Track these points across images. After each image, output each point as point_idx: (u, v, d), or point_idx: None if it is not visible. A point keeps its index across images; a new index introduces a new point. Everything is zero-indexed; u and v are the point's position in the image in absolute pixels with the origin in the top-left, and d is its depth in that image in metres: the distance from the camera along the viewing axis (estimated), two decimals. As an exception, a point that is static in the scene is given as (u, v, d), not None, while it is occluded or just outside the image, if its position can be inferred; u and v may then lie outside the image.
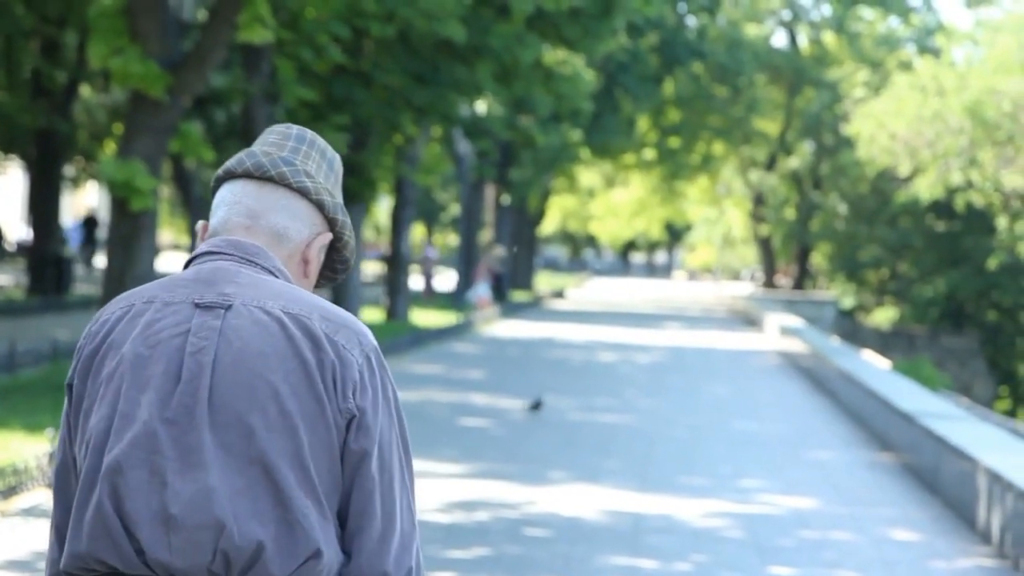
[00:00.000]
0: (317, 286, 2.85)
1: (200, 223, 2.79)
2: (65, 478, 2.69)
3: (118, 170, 15.46)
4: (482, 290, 38.29)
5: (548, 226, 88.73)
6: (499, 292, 45.76)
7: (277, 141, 2.79)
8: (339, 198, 2.81)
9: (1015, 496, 9.54)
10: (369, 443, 2.61)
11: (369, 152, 26.46)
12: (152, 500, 2.54)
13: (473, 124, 35.56)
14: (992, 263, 47.33)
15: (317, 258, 2.79)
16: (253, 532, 2.53)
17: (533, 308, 46.30)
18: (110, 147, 35.58)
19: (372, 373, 2.64)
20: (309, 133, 2.83)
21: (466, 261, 43.89)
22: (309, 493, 2.56)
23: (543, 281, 67.70)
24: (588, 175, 68.15)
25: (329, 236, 2.79)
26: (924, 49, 56.11)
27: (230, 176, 2.77)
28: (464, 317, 33.72)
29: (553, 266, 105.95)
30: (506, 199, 49.40)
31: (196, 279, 2.67)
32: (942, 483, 12.13)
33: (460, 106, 28.54)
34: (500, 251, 39.33)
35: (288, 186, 2.74)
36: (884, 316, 55.12)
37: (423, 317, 33.72)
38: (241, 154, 2.79)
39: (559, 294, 57.01)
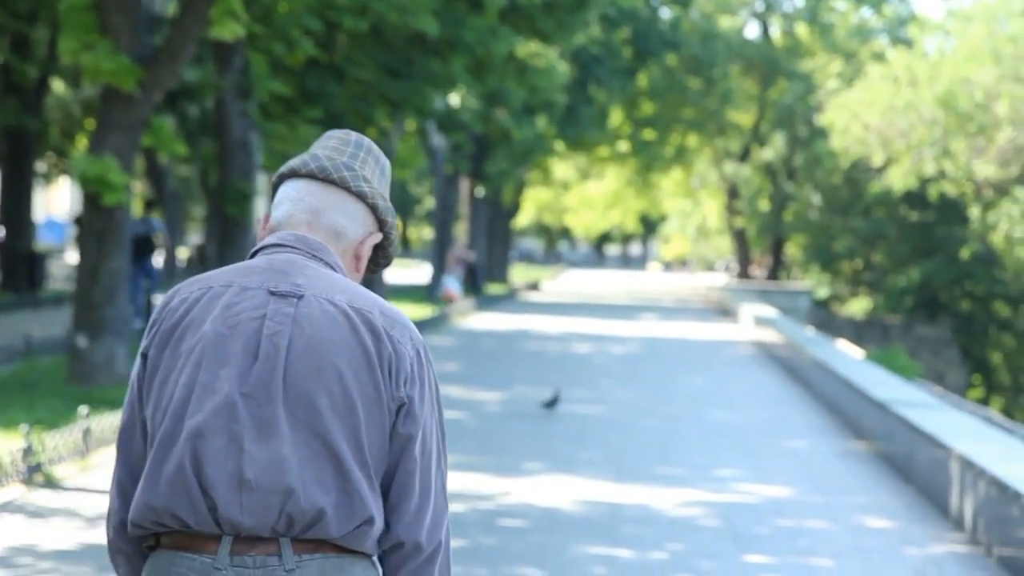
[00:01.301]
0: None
1: (263, 214, 3.10)
2: (131, 437, 2.98)
3: (90, 165, 15.41)
4: (450, 283, 38.22)
5: (523, 219, 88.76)
6: (474, 285, 45.76)
7: (338, 147, 3.09)
8: (389, 201, 3.12)
9: (987, 483, 9.60)
10: (415, 428, 2.93)
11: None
12: (229, 464, 2.83)
13: (447, 117, 35.55)
14: (965, 252, 47.51)
15: (367, 255, 3.11)
16: (317, 498, 2.84)
17: (508, 300, 46.31)
18: (82, 143, 35.47)
19: (421, 366, 2.97)
20: (366, 140, 3.12)
21: (441, 254, 43.88)
22: (363, 467, 2.88)
23: (518, 273, 67.71)
24: (562, 168, 68.18)
25: (379, 236, 3.12)
26: (897, 40, 56.28)
27: (294, 175, 3.08)
28: (439, 310, 33.72)
29: (528, 258, 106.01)
30: (480, 192, 49.39)
31: (270, 268, 2.97)
32: (915, 471, 12.19)
33: (434, 99, 28.51)
34: (463, 245, 39.26)
35: (348, 189, 3.05)
36: (858, 306, 55.30)
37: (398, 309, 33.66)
38: (306, 156, 3.08)
39: (534, 286, 57.03)
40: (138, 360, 2.99)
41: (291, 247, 3.02)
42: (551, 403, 16.38)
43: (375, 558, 2.97)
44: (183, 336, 2.93)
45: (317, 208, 3.05)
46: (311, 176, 3.06)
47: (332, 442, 2.86)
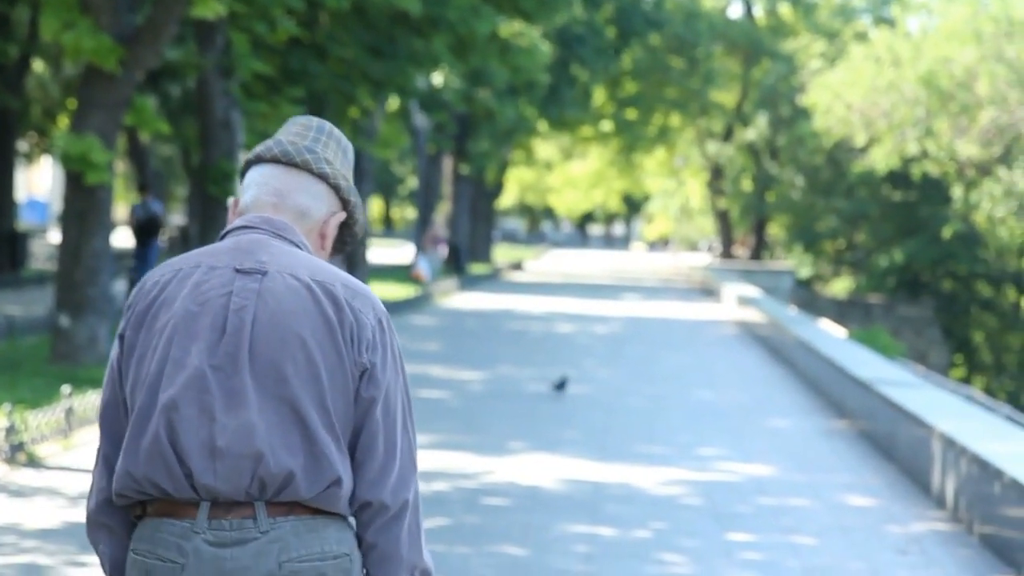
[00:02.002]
0: (330, 255, 3.34)
1: (231, 199, 3.37)
2: (114, 414, 3.17)
3: (72, 144, 15.37)
4: (421, 263, 38.09)
5: (506, 199, 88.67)
6: (457, 265, 45.74)
7: (300, 132, 3.28)
8: (351, 182, 3.30)
9: (969, 461, 9.63)
10: (377, 392, 3.09)
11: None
12: (202, 433, 3.01)
13: (430, 97, 35.48)
14: (948, 232, 47.59)
15: (332, 233, 3.29)
16: (286, 461, 3.01)
17: (491, 280, 46.31)
18: (64, 122, 35.33)
19: (383, 334, 3.13)
20: (328, 125, 3.30)
21: (424, 234, 43.84)
22: (329, 430, 3.05)
23: (501, 253, 67.69)
24: (545, 147, 68.10)
25: (343, 215, 3.30)
26: (880, 19, 56.28)
27: (260, 160, 3.27)
28: (421, 290, 33.71)
29: (511, 238, 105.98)
30: (464, 171, 49.34)
31: (236, 248, 3.15)
32: (898, 449, 12.23)
33: (416, 79, 28.46)
34: (439, 225, 39.09)
35: (311, 171, 3.24)
36: (841, 286, 55.38)
37: (382, 290, 33.70)
38: (269, 142, 3.27)
39: (517, 266, 57.02)
40: (116, 341, 3.17)
41: (256, 228, 3.20)
42: (560, 385, 16.19)
43: (350, 519, 3.12)
44: (156, 316, 3.11)
45: (282, 190, 3.23)
46: (275, 160, 3.24)
47: (298, 408, 3.03)
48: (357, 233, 3.33)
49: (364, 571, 3.13)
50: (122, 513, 3.16)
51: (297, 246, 3.20)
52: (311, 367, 3.05)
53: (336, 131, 3.32)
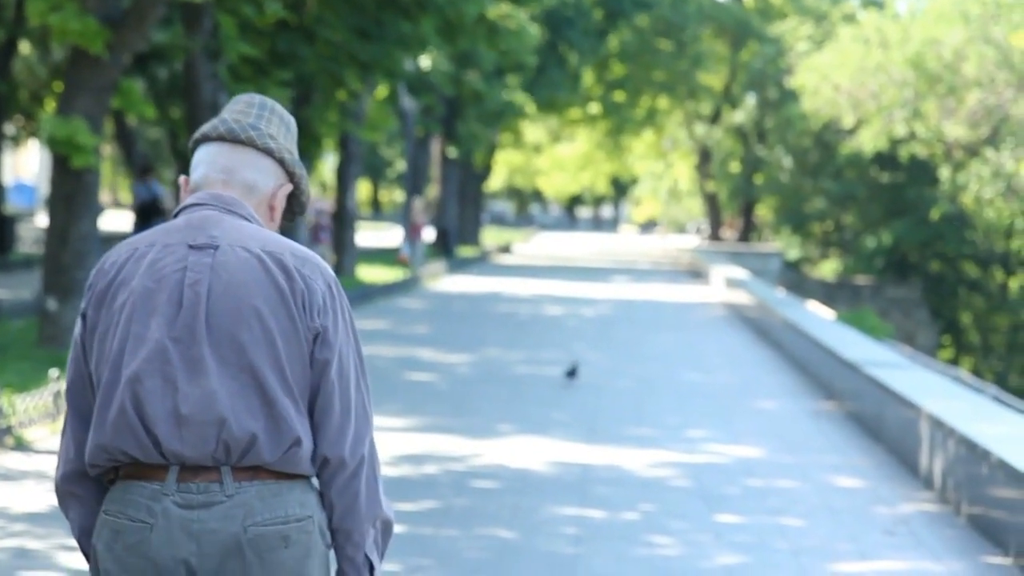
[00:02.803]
0: (280, 224, 3.49)
1: (182, 177, 3.41)
2: (80, 390, 3.32)
3: (59, 127, 15.32)
4: (406, 248, 37.97)
5: (494, 181, 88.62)
6: (446, 247, 45.71)
7: (244, 110, 3.42)
8: (296, 154, 3.44)
9: (957, 442, 9.66)
10: (331, 354, 3.24)
11: (313, 108, 26.31)
12: (166, 402, 3.17)
13: (418, 79, 35.42)
14: (935, 214, 47.64)
15: (280, 204, 3.43)
16: (248, 425, 3.17)
17: (480, 263, 46.30)
18: (50, 105, 35.22)
19: (332, 298, 3.28)
20: (270, 101, 3.45)
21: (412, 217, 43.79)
22: (288, 394, 3.20)
23: (490, 236, 67.67)
24: (534, 130, 68.06)
25: (290, 187, 3.44)
26: (868, 2, 56.25)
27: (206, 139, 3.40)
28: (410, 273, 33.69)
29: (500, 221, 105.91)
30: (452, 154, 49.30)
31: (188, 225, 3.29)
32: (886, 430, 12.25)
33: (404, 61, 28.40)
34: (420, 202, 38.84)
35: (256, 147, 3.38)
36: (829, 268, 55.45)
37: (370, 273, 33.67)
38: (215, 120, 3.40)
39: (506, 249, 57.01)
40: (79, 320, 3.32)
41: (207, 205, 3.34)
42: (571, 373, 15.85)
43: (313, 480, 3.29)
44: (115, 294, 3.26)
45: (229, 167, 3.37)
46: (222, 139, 3.39)
47: (257, 374, 3.19)
48: (304, 203, 3.48)
49: (329, 528, 3.28)
50: (89, 482, 3.33)
51: (247, 219, 3.34)
52: (266, 334, 3.19)
53: (278, 107, 3.46)
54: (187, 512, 3.16)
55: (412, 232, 37.68)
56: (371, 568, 3.32)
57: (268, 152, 3.39)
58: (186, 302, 3.21)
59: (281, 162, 3.41)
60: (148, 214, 21.89)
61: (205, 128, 3.41)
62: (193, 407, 3.16)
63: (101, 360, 3.25)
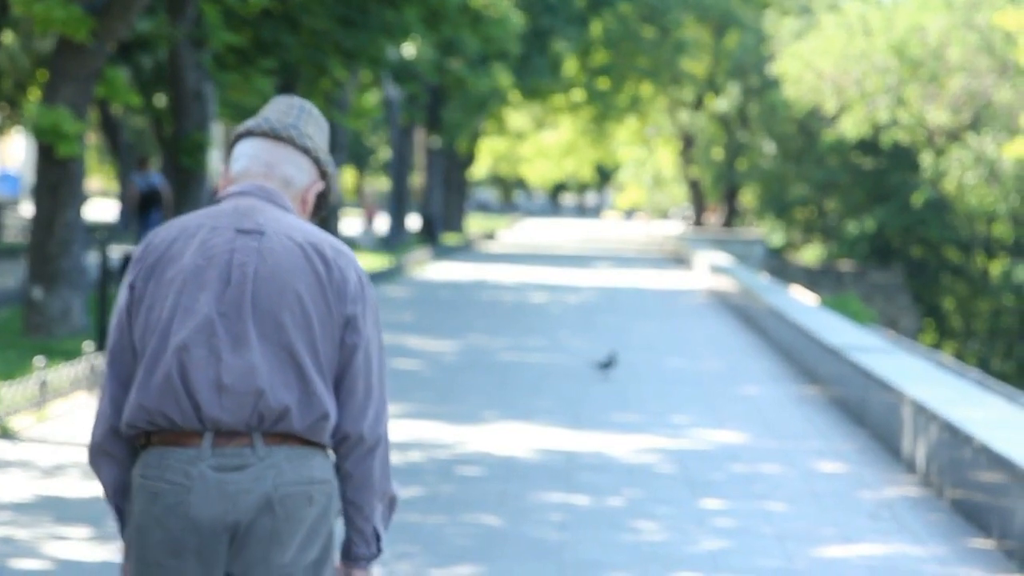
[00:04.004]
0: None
1: (222, 167, 3.71)
2: (121, 356, 3.55)
3: (44, 116, 15.32)
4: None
5: (479, 169, 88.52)
6: (430, 235, 45.72)
7: (285, 110, 3.69)
8: (329, 155, 3.73)
9: (939, 426, 9.72)
10: (359, 339, 3.54)
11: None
12: (209, 371, 3.44)
13: (402, 67, 35.39)
14: (918, 199, 47.74)
15: (311, 200, 3.71)
16: (283, 397, 3.45)
17: (464, 250, 46.31)
18: (35, 94, 35.14)
19: (363, 289, 3.57)
20: (308, 104, 3.73)
21: (398, 204, 43.78)
22: (319, 372, 3.49)
23: (474, 224, 67.66)
24: (517, 117, 68.02)
25: (322, 185, 3.72)
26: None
27: (250, 134, 3.68)
28: (395, 260, 33.70)
29: (484, 208, 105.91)
30: (436, 142, 49.27)
31: (235, 211, 3.57)
32: (869, 415, 12.32)
33: (388, 49, 28.39)
34: (370, 188, 38.51)
35: (295, 145, 3.66)
36: (812, 253, 55.54)
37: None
38: (259, 118, 3.68)
39: (490, 236, 57.01)
40: (125, 292, 3.56)
41: (252, 194, 3.61)
42: (607, 364, 15.36)
43: (329, 452, 3.56)
44: (165, 269, 3.51)
45: (270, 162, 3.65)
46: (264, 135, 3.66)
47: (294, 352, 3.47)
48: (332, 201, 3.75)
49: (342, 498, 3.57)
50: (124, 443, 3.56)
51: (287, 211, 3.62)
52: (305, 317, 3.48)
53: (315, 109, 3.73)
54: (222, 475, 3.44)
55: (366, 217, 37.43)
56: (378, 539, 3.59)
57: (305, 151, 3.67)
58: (234, 280, 3.48)
59: (316, 161, 3.69)
60: (148, 203, 22.01)
61: (249, 124, 3.68)
62: (235, 378, 3.44)
63: (148, 329, 3.50)
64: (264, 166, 3.65)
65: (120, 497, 3.59)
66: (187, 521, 3.43)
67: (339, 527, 3.62)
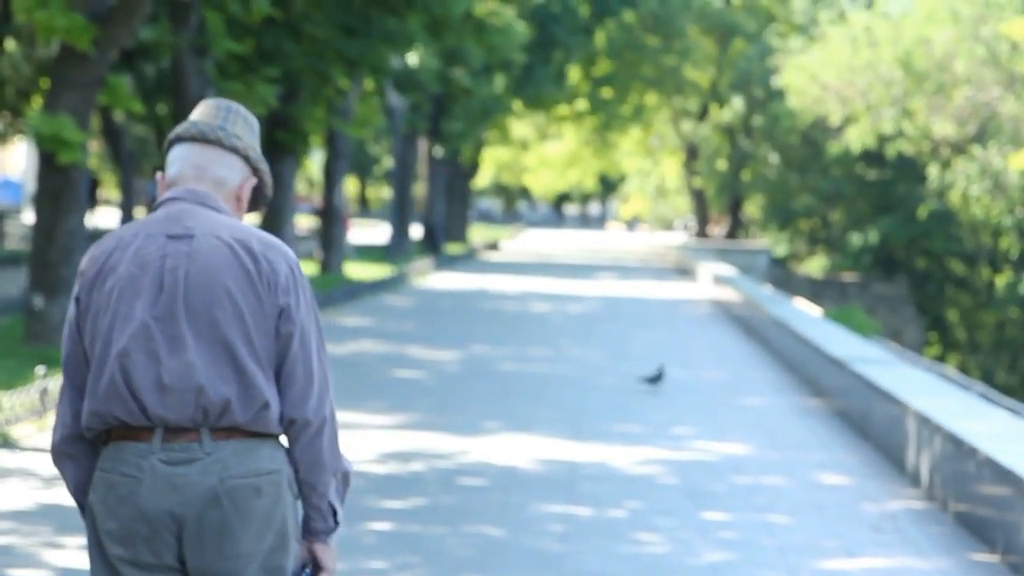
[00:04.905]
0: (247, 213, 3.94)
1: (159, 174, 3.85)
2: (75, 363, 3.75)
3: (46, 124, 15.29)
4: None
5: (482, 179, 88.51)
6: (433, 244, 45.68)
7: (212, 113, 3.85)
8: (259, 151, 3.90)
9: (943, 439, 9.67)
10: (293, 327, 3.69)
11: (300, 105, 26.29)
12: (150, 373, 3.62)
13: (405, 76, 35.38)
14: (922, 211, 47.68)
15: (247, 196, 3.87)
16: (222, 391, 3.62)
17: (467, 260, 46.29)
18: (37, 102, 35.15)
19: (294, 279, 3.71)
20: (234, 104, 3.89)
21: (400, 214, 43.76)
22: (256, 363, 3.65)
23: (477, 233, 67.66)
24: (521, 127, 68.01)
25: (254, 180, 3.89)
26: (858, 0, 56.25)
27: (179, 140, 3.84)
28: (398, 269, 33.67)
29: (487, 218, 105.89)
30: (439, 152, 49.26)
31: (167, 217, 3.74)
32: (872, 427, 12.27)
33: (391, 58, 28.37)
34: (341, 197, 37.28)
35: (223, 146, 3.82)
36: (816, 264, 55.48)
37: (357, 270, 33.64)
38: (187, 123, 3.84)
39: (493, 246, 56.99)
40: (72, 304, 3.76)
41: (183, 199, 3.78)
42: (655, 378, 15.13)
43: (282, 439, 3.71)
44: (104, 280, 3.71)
45: (201, 164, 3.81)
46: (193, 139, 3.83)
47: (229, 346, 3.64)
48: (267, 194, 3.93)
49: (296, 480, 3.71)
50: (83, 444, 3.77)
51: (218, 211, 3.78)
52: (236, 311, 3.65)
53: (242, 109, 3.90)
54: (171, 468, 3.61)
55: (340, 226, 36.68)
56: (334, 513, 3.77)
57: (234, 150, 3.83)
58: (166, 285, 3.65)
59: (246, 159, 3.85)
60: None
61: (178, 130, 3.84)
62: (174, 377, 3.61)
63: (95, 337, 3.70)
64: (195, 169, 3.80)
65: (82, 493, 3.79)
66: (137, 511, 3.61)
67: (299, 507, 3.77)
